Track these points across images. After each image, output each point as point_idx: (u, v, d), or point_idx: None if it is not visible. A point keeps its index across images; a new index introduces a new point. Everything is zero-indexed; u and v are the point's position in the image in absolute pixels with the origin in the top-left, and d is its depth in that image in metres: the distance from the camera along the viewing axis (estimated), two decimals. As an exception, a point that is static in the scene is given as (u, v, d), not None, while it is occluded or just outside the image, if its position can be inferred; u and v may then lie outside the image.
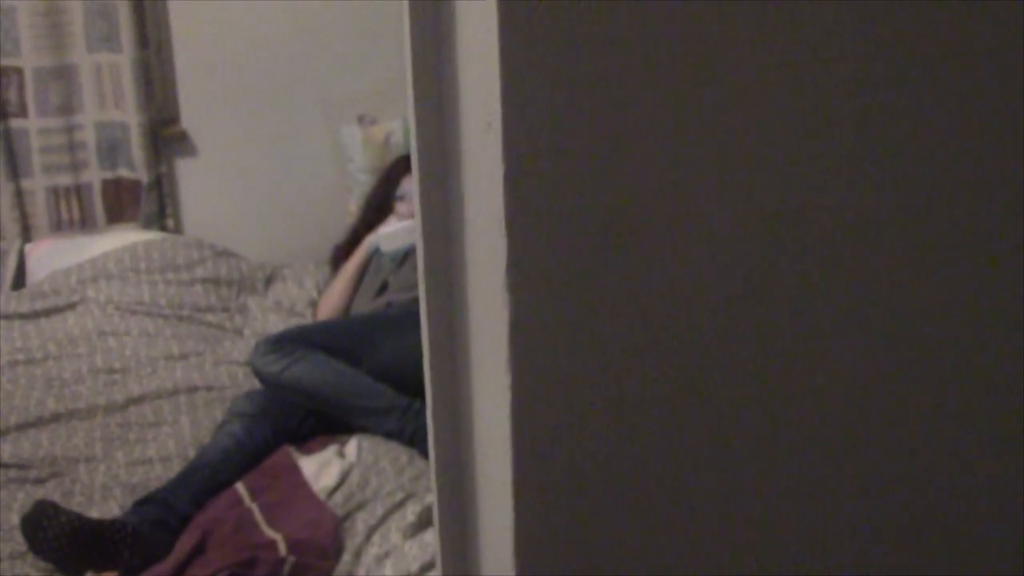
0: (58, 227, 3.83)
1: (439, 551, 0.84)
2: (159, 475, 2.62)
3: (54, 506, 2.30)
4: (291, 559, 2.26)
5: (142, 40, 3.74)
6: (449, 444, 0.79)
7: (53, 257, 3.67)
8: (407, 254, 3.39)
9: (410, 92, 0.70)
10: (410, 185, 3.56)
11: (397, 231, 3.42)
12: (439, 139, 0.71)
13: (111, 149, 3.82)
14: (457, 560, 0.83)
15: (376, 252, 3.47)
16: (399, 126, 3.92)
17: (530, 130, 0.64)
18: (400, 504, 2.44)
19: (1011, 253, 0.75)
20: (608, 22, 0.64)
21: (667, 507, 0.75)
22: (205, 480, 2.52)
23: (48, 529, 2.24)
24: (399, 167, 3.68)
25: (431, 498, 2.39)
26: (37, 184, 3.78)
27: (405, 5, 0.69)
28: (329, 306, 3.45)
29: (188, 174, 3.98)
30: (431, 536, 2.28)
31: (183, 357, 3.22)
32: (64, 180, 3.81)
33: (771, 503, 0.77)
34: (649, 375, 0.72)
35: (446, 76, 0.71)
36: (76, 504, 2.50)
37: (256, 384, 2.89)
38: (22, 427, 2.83)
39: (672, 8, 0.65)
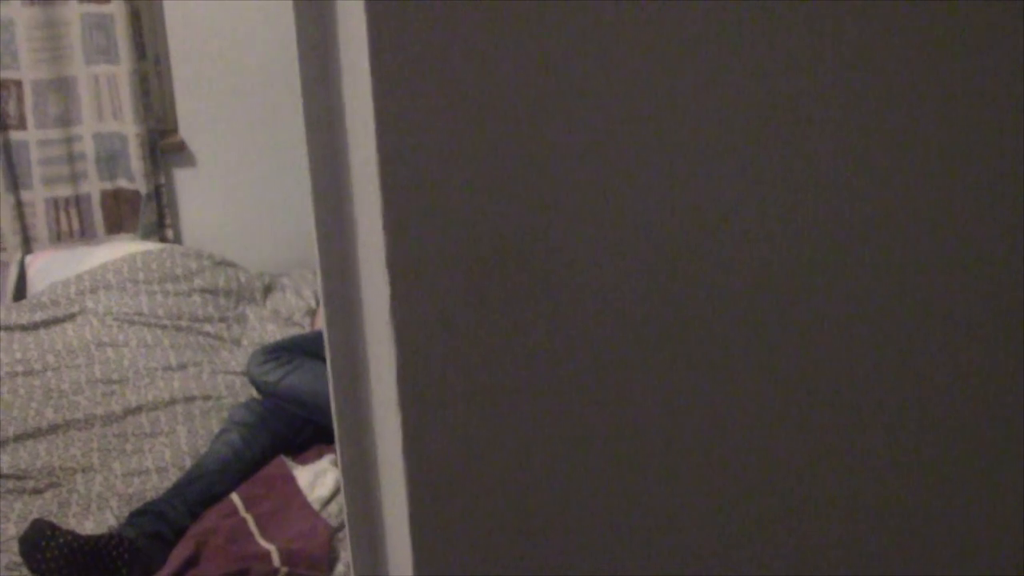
0: (58, 238, 3.85)
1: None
2: (155, 485, 2.63)
3: (51, 527, 2.30)
4: (284, 570, 2.27)
5: (139, 52, 3.76)
6: (359, 494, 0.78)
7: (53, 268, 3.68)
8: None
9: (304, 119, 0.70)
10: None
11: None
12: (334, 180, 0.71)
13: (110, 160, 3.84)
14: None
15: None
16: (396, 135, 3.93)
17: (406, 163, 0.63)
18: (394, 514, 2.44)
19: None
20: (484, 51, 0.63)
21: (558, 544, 0.75)
22: (202, 491, 2.53)
23: (46, 550, 2.25)
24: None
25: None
26: (37, 195, 3.80)
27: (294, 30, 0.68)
28: (326, 316, 3.45)
29: (186, 184, 3.99)
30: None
31: (181, 367, 3.23)
32: (63, 191, 3.82)
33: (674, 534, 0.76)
34: (538, 411, 0.71)
35: (335, 108, 0.70)
36: (72, 515, 2.52)
37: (254, 393, 2.91)
38: (20, 437, 2.84)
39: (552, 32, 0.63)
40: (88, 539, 2.31)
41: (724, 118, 0.68)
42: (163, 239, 3.93)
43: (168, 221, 3.95)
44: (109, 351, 3.29)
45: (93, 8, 3.67)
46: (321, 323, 3.29)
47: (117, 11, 3.66)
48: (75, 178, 3.83)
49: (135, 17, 3.73)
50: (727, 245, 0.70)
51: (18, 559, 2.33)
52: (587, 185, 0.67)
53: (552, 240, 0.67)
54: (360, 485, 0.78)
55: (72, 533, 2.31)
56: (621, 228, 0.68)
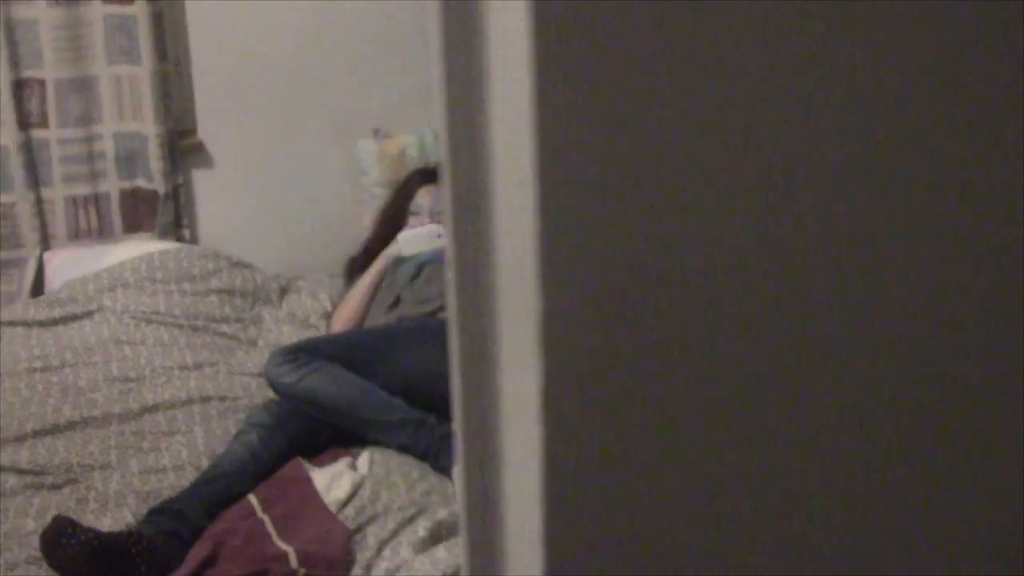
0: (76, 236, 3.88)
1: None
2: (172, 484, 2.66)
3: (72, 523, 2.32)
4: (302, 571, 2.29)
5: (161, 53, 3.79)
6: (479, 493, 0.81)
7: (71, 265, 3.71)
8: (421, 267, 3.43)
9: (444, 141, 0.73)
10: (424, 199, 3.61)
11: (418, 234, 3.47)
12: (472, 189, 0.73)
13: (129, 159, 3.87)
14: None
15: (391, 266, 3.51)
16: (414, 140, 3.96)
17: (563, 189, 0.66)
18: (411, 518, 2.46)
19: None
20: (644, 81, 0.66)
21: (699, 564, 0.77)
22: (219, 491, 2.55)
23: (66, 547, 2.27)
24: (413, 181, 3.72)
25: (443, 513, 2.44)
26: (56, 193, 3.83)
27: (436, 50, 0.71)
28: (343, 318, 3.48)
29: (204, 185, 4.02)
30: (442, 551, 2.31)
31: (197, 367, 3.26)
32: (83, 190, 3.85)
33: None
34: (685, 429, 0.73)
35: (480, 128, 0.73)
36: (90, 511, 2.54)
37: (270, 395, 2.93)
38: (39, 433, 2.87)
39: (716, 63, 0.67)
40: (108, 536, 2.33)
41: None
42: (180, 239, 3.95)
43: (185, 221, 3.98)
44: (126, 349, 3.32)
45: (116, 9, 3.71)
46: (337, 326, 3.29)
47: (140, 12, 3.69)
48: (94, 177, 3.86)
49: (157, 19, 3.76)
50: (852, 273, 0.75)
51: (38, 553, 2.35)
52: (721, 217, 0.70)
53: (693, 265, 0.70)
54: (478, 491, 0.80)
55: (92, 530, 2.33)
56: (753, 254, 0.71)
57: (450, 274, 0.77)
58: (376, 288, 3.51)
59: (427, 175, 3.74)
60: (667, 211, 0.69)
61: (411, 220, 3.63)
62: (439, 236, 3.45)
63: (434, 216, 3.58)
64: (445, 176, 0.74)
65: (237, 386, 3.15)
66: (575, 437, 0.71)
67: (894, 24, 0.70)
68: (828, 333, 0.75)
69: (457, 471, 0.84)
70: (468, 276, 0.76)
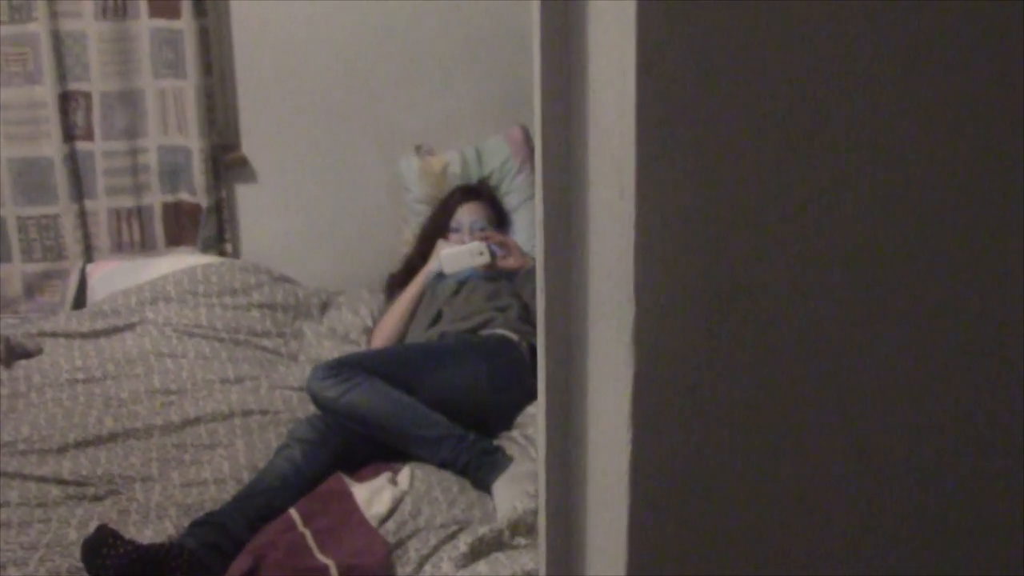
0: (119, 248, 3.90)
1: None
2: (213, 497, 2.66)
3: (114, 534, 2.32)
4: (343, 585, 2.28)
5: (206, 68, 3.81)
6: (560, 486, 0.81)
7: (113, 278, 3.74)
8: (462, 284, 3.43)
9: (538, 154, 0.74)
10: (465, 216, 3.61)
11: (460, 252, 3.48)
12: (565, 201, 0.75)
13: (173, 173, 3.89)
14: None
15: (432, 282, 3.51)
16: (456, 157, 3.96)
17: (661, 202, 0.68)
18: (452, 534, 2.46)
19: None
20: (737, 100, 0.67)
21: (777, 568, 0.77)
22: (262, 505, 2.55)
23: (108, 557, 2.28)
24: (455, 198, 3.73)
25: (483, 529, 2.42)
26: (100, 205, 3.86)
27: (536, 72, 0.73)
28: (384, 334, 3.49)
29: (247, 200, 4.04)
30: (484, 567, 2.30)
31: (239, 381, 3.26)
32: (126, 202, 3.88)
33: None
34: (766, 442, 0.75)
35: (576, 142, 0.74)
36: (132, 523, 2.54)
37: (312, 409, 2.93)
38: (81, 444, 2.88)
39: (808, 92, 0.68)
40: (149, 548, 2.33)
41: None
42: (222, 253, 3.97)
43: (228, 235, 3.99)
44: (168, 362, 3.33)
45: (163, 24, 3.74)
46: (378, 342, 3.29)
47: (187, 27, 3.72)
48: (138, 189, 3.88)
49: (203, 33, 3.79)
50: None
51: (79, 564, 2.35)
52: (800, 239, 0.73)
53: (774, 283, 0.73)
54: (561, 491, 0.82)
55: (133, 542, 2.33)
56: (829, 274, 0.73)
57: (540, 281, 0.78)
58: (417, 304, 3.52)
59: (468, 192, 3.75)
60: (759, 226, 0.71)
61: (452, 237, 3.63)
62: (480, 254, 3.45)
63: (475, 233, 3.59)
64: (538, 184, 0.75)
65: (278, 400, 3.15)
66: (662, 443, 0.73)
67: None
68: (914, 345, 0.75)
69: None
70: (558, 283, 0.77)
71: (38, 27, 3.65)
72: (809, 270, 0.72)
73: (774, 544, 0.77)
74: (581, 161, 0.75)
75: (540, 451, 0.82)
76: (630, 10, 0.65)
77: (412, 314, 3.51)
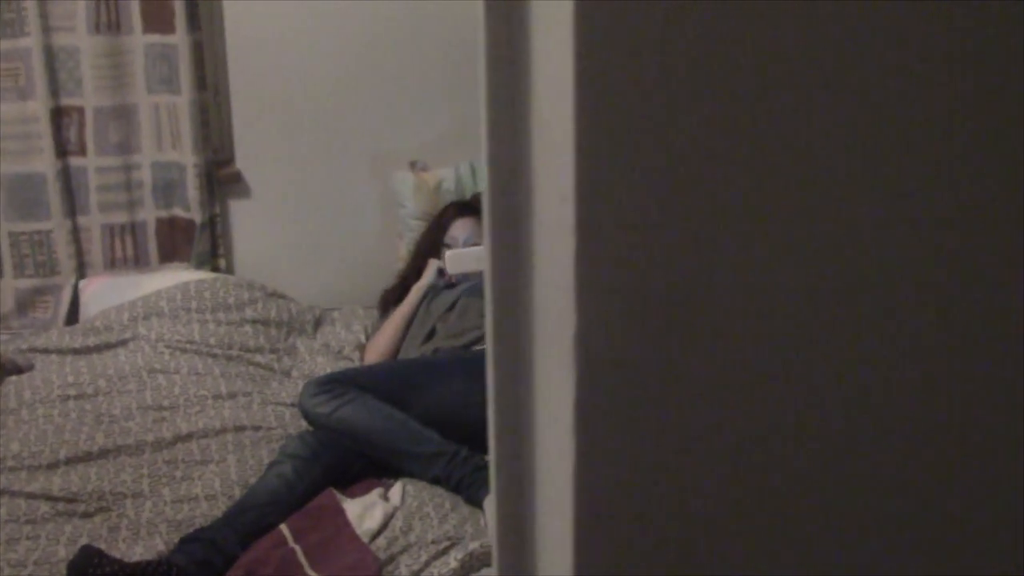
0: (112, 264, 3.89)
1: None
2: (204, 513, 2.64)
3: (99, 554, 2.31)
4: (334, 602, 2.26)
5: (200, 83, 3.81)
6: (512, 495, 0.80)
7: (106, 293, 3.72)
8: (456, 300, 3.41)
9: (485, 155, 0.74)
10: (459, 232, 3.60)
11: (465, 254, 3.45)
12: (512, 204, 0.74)
13: (166, 189, 3.88)
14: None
15: (425, 299, 3.50)
16: (450, 173, 3.95)
17: (602, 206, 0.67)
18: (444, 550, 2.44)
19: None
20: (683, 100, 0.66)
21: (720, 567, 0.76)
22: (253, 521, 2.53)
23: None
24: (449, 214, 3.72)
25: (474, 545, 2.41)
26: (93, 221, 3.84)
27: (481, 72, 0.72)
28: (377, 350, 3.47)
29: (241, 215, 4.03)
30: (475, 583, 2.28)
31: (231, 396, 3.24)
32: (120, 218, 3.87)
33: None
34: (713, 450, 0.74)
35: (521, 143, 0.73)
36: (122, 539, 2.52)
37: (304, 425, 2.91)
38: (71, 461, 2.86)
39: (754, 89, 0.67)
40: (136, 566, 2.31)
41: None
42: (215, 269, 3.96)
43: (221, 251, 3.98)
44: (160, 378, 3.31)
45: (157, 39, 3.73)
46: (371, 358, 3.28)
47: (181, 42, 3.71)
48: (131, 205, 3.87)
49: (197, 49, 3.78)
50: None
51: (68, 581, 2.33)
52: (753, 236, 0.72)
53: (717, 285, 0.72)
54: (513, 500, 0.81)
55: (120, 561, 2.31)
56: (784, 271, 0.72)
57: (488, 289, 0.77)
58: (411, 320, 3.50)
59: (463, 208, 3.74)
60: (702, 230, 0.70)
61: (445, 253, 3.62)
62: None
63: (470, 248, 3.57)
64: (486, 194, 0.75)
65: (271, 416, 3.14)
66: (606, 451, 0.72)
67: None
68: (859, 350, 0.74)
69: (491, 491, 0.84)
70: (506, 291, 0.76)
71: (31, 42, 3.63)
72: (760, 275, 0.71)
73: (727, 555, 0.76)
74: (527, 165, 0.75)
75: (492, 461, 0.82)
76: (567, 9, 0.65)
77: (406, 330, 3.49)
